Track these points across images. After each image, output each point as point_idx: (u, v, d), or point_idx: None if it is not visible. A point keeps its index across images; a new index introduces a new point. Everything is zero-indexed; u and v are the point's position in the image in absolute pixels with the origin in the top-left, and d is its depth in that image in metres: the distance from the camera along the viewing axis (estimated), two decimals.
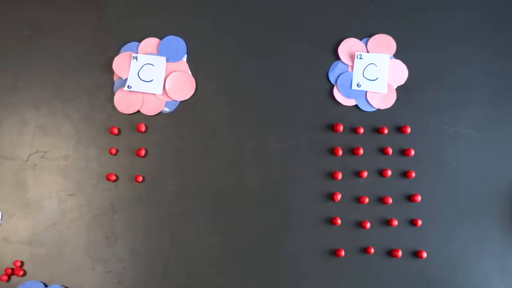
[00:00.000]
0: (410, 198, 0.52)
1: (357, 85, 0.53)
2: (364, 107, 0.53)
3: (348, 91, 0.53)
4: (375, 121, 0.53)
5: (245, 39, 0.55)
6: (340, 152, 0.52)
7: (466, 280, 0.50)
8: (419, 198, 0.51)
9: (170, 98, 0.54)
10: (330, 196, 0.52)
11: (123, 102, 0.54)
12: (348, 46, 0.54)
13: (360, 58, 0.54)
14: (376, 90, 0.53)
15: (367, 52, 0.54)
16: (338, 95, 0.53)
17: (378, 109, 0.53)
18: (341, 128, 0.52)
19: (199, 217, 0.52)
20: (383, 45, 0.54)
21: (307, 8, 0.55)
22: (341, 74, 0.54)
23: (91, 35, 0.55)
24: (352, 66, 0.54)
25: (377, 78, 0.53)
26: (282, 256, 0.51)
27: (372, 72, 0.54)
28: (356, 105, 0.53)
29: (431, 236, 0.51)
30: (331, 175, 0.52)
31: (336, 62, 0.54)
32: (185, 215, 0.52)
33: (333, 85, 0.54)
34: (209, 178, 0.52)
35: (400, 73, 0.54)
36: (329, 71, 0.54)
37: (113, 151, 0.53)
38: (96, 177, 0.53)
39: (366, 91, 0.53)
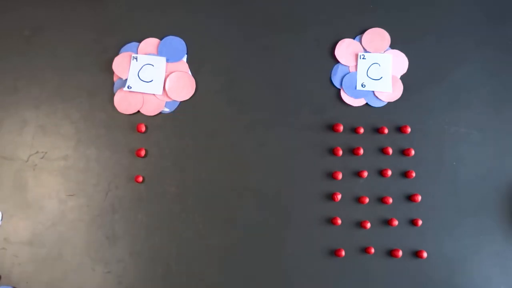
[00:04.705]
0: (410, 198, 0.52)
1: (362, 85, 0.53)
2: (374, 103, 0.53)
3: (354, 92, 0.53)
4: (375, 121, 0.53)
5: (245, 39, 0.55)
6: (340, 152, 0.52)
7: (466, 280, 0.50)
8: (419, 198, 0.51)
9: (170, 98, 0.54)
10: (330, 196, 0.52)
11: (123, 103, 0.54)
12: (345, 47, 0.54)
13: (363, 58, 0.54)
14: (381, 89, 0.53)
15: (364, 49, 0.54)
16: (346, 97, 0.53)
17: (389, 103, 0.53)
18: (341, 128, 0.52)
19: (199, 217, 0.52)
20: (377, 38, 0.54)
21: (307, 8, 0.55)
22: (344, 76, 0.54)
23: (91, 35, 0.55)
24: (353, 66, 0.54)
25: (381, 78, 0.53)
26: (282, 256, 0.51)
27: (376, 71, 0.54)
28: (367, 103, 0.53)
29: (431, 236, 0.51)
30: (331, 175, 0.52)
31: (336, 65, 0.54)
32: (185, 215, 0.52)
33: (333, 84, 0.54)
34: (209, 178, 0.52)
35: (400, 61, 0.54)
36: (332, 76, 0.54)
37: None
38: (96, 177, 0.53)
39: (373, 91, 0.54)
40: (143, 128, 0.53)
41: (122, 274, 0.51)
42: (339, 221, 0.51)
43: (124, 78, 0.54)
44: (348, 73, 0.54)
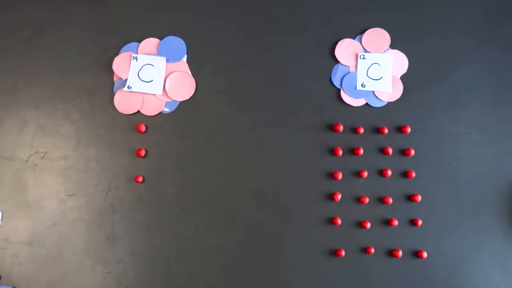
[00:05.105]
0: (410, 198, 0.52)
1: (362, 86, 0.53)
2: (374, 103, 0.53)
3: (354, 92, 0.53)
4: (375, 121, 0.53)
5: (245, 39, 0.55)
6: (340, 152, 0.52)
7: (466, 280, 0.50)
8: (419, 198, 0.51)
9: (170, 98, 0.54)
10: (330, 196, 0.52)
11: (123, 103, 0.54)
12: (345, 47, 0.54)
13: (363, 58, 0.54)
14: (381, 89, 0.53)
15: (364, 49, 0.54)
16: (346, 97, 0.53)
17: (389, 103, 0.53)
18: (341, 128, 0.52)
19: (199, 217, 0.52)
20: (377, 38, 0.54)
21: (307, 8, 0.55)
22: (344, 76, 0.54)
23: (91, 35, 0.55)
24: (353, 66, 0.54)
25: (381, 78, 0.53)
26: (282, 256, 0.51)
27: (376, 71, 0.54)
28: (367, 103, 0.53)
29: (431, 236, 0.51)
30: (331, 175, 0.52)
31: (336, 65, 0.54)
32: (185, 215, 0.52)
33: (333, 84, 0.54)
34: (209, 178, 0.52)
35: (400, 61, 0.54)
36: (332, 76, 0.54)
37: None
38: (96, 177, 0.53)
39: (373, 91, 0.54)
40: (143, 128, 0.53)
41: (122, 274, 0.51)
42: (339, 221, 0.51)
43: (124, 78, 0.54)
44: (348, 73, 0.54)
